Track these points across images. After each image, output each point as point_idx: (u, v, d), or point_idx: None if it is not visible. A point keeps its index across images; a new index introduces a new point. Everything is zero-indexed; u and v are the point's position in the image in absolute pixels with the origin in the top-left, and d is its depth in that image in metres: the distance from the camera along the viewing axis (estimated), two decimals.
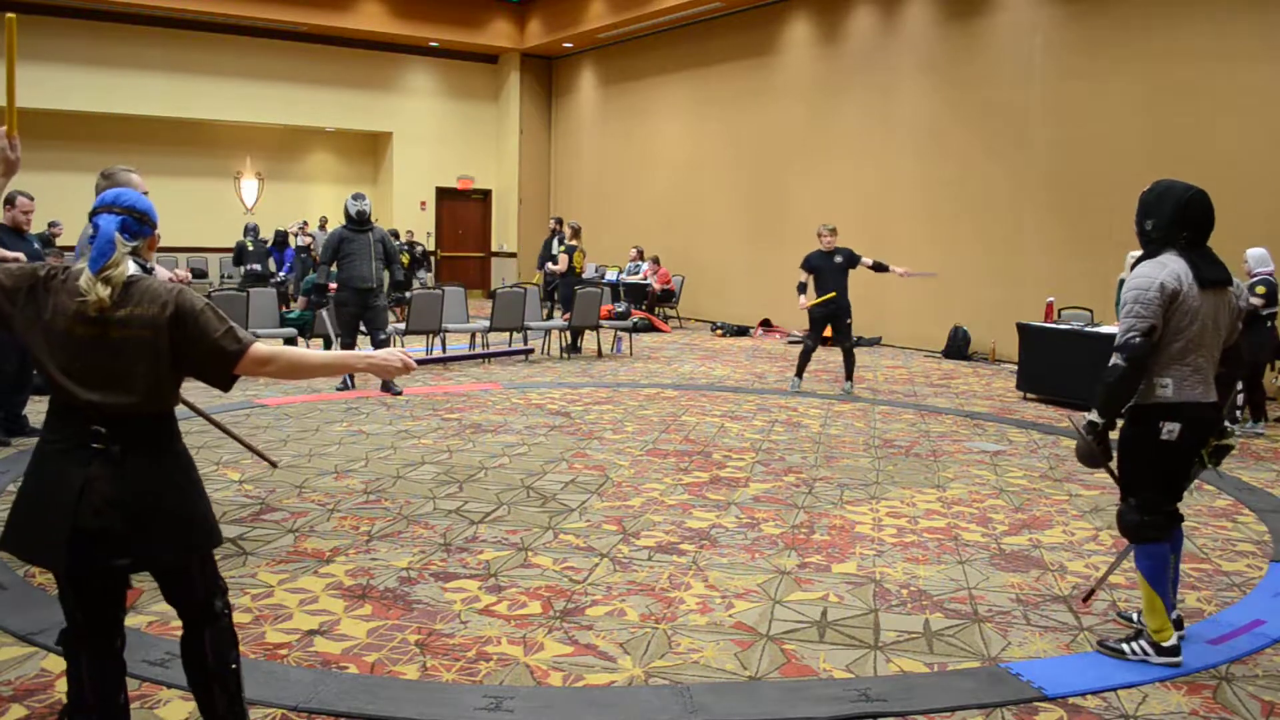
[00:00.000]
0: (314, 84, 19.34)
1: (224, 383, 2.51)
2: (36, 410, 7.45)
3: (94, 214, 2.50)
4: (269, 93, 18.98)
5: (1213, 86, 10.30)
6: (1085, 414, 3.70)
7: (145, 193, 4.52)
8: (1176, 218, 3.64)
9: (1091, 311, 10.58)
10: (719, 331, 15.51)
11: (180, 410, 2.62)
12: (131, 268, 2.44)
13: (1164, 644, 3.63)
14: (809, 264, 9.76)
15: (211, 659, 2.62)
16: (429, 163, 20.64)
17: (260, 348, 2.48)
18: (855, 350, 10.10)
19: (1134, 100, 11.01)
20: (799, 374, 10.01)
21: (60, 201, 16.47)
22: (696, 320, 17.12)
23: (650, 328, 15.43)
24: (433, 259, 20.53)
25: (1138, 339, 3.51)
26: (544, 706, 3.23)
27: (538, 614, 3.99)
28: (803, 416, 8.59)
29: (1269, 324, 8.16)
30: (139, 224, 2.52)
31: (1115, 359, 3.56)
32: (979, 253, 12.74)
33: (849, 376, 9.91)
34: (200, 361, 2.45)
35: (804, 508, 5.68)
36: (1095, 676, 3.53)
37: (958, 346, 12.81)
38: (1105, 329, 9.23)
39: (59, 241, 13.88)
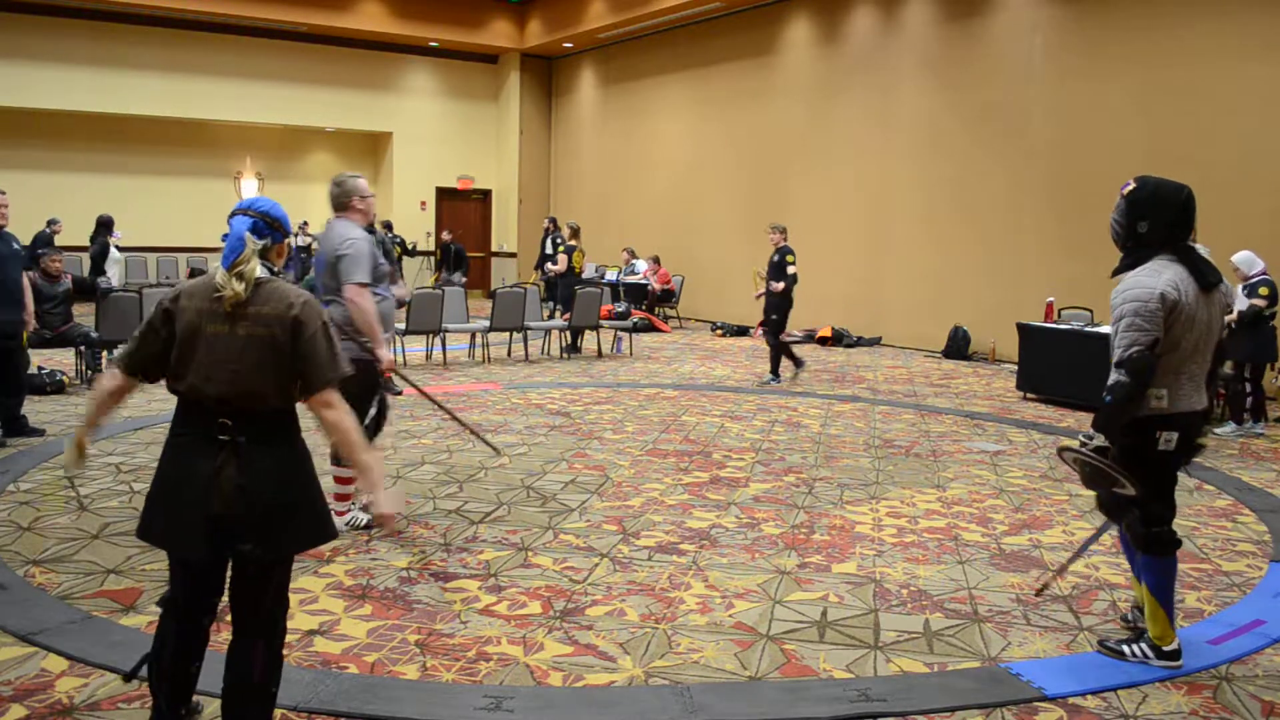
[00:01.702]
0: (314, 84, 19.34)
1: (304, 398, 2.62)
2: (36, 411, 7.46)
3: (231, 216, 2.68)
4: (269, 93, 18.97)
5: (1213, 86, 10.30)
6: (1078, 441, 3.49)
7: (366, 196, 4.92)
8: (1178, 219, 3.46)
9: (1091, 311, 10.58)
10: (719, 331, 15.51)
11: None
12: (260, 270, 2.58)
13: (1165, 649, 3.60)
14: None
15: (259, 676, 2.66)
16: (429, 163, 20.63)
17: (336, 394, 2.62)
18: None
19: (1134, 100, 11.01)
20: (774, 371, 10.48)
21: (60, 201, 16.53)
22: (696, 320, 17.12)
23: (650, 328, 15.43)
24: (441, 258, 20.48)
25: (1143, 352, 3.33)
26: (544, 706, 3.23)
27: (538, 614, 3.99)
28: (803, 416, 8.59)
29: (1270, 324, 8.16)
30: (269, 228, 2.65)
31: (1118, 375, 3.36)
32: (979, 253, 12.74)
33: (773, 371, 10.49)
34: (299, 372, 2.57)
35: (804, 508, 5.68)
36: (1095, 676, 3.53)
37: (958, 346, 12.81)
38: (1105, 329, 9.23)
39: (58, 240, 13.90)
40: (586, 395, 9.40)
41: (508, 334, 11.94)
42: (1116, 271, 3.55)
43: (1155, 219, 3.47)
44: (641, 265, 16.83)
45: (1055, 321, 10.10)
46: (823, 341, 14.22)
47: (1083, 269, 11.30)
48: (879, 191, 14.04)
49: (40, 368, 8.82)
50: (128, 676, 2.84)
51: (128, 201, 18.05)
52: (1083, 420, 8.69)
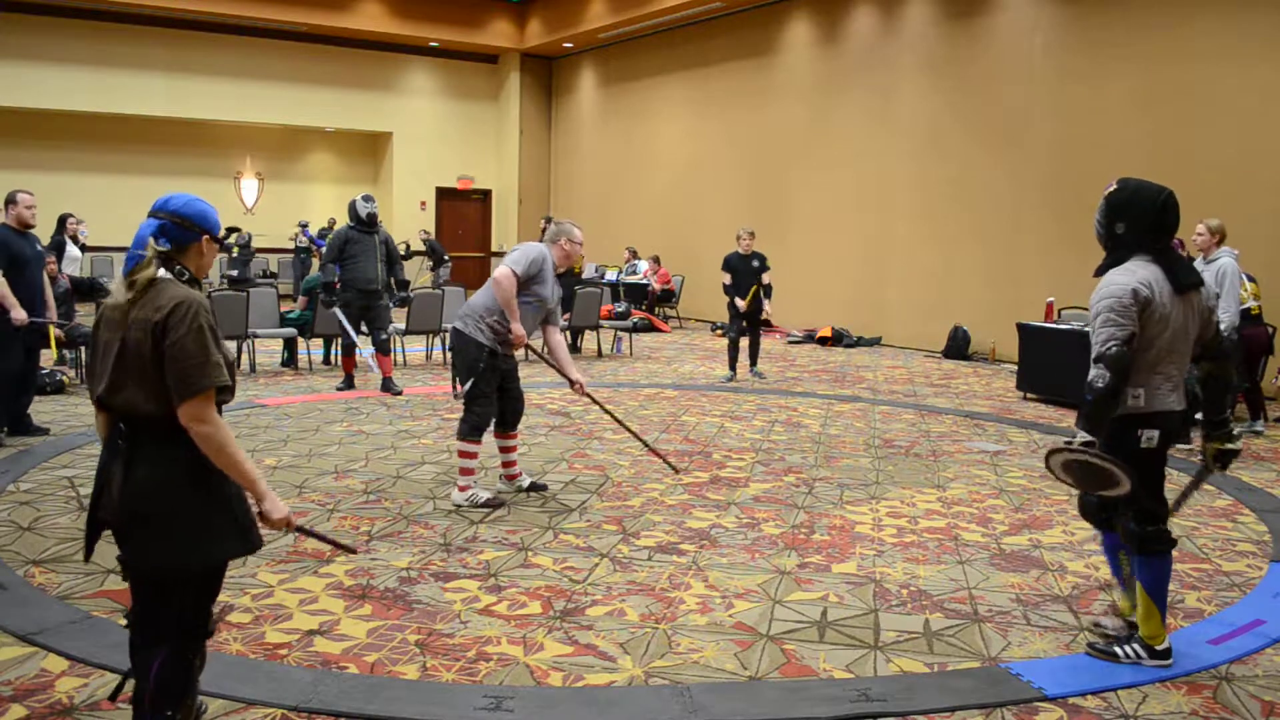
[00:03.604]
0: (314, 84, 19.35)
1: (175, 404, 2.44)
2: (37, 411, 7.45)
3: (148, 217, 2.59)
4: (269, 93, 18.99)
5: (1213, 86, 10.30)
6: (1062, 448, 3.44)
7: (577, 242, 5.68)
8: (1156, 222, 3.51)
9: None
10: (719, 331, 15.50)
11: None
12: (163, 273, 2.50)
13: (1158, 648, 3.61)
14: (727, 264, 10.52)
15: (148, 696, 2.51)
16: (429, 163, 20.64)
17: (207, 407, 2.41)
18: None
19: (1134, 100, 11.01)
20: (733, 368, 10.60)
21: (60, 201, 16.45)
22: (696, 320, 17.12)
23: (650, 328, 15.43)
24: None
25: (1120, 348, 3.36)
26: (544, 706, 3.23)
27: (538, 614, 3.99)
28: (803, 416, 8.59)
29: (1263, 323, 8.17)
30: (177, 228, 2.54)
31: (1096, 370, 3.38)
32: (979, 253, 12.74)
33: (754, 363, 10.71)
34: (168, 377, 2.42)
35: (804, 508, 5.68)
36: (1095, 676, 3.53)
37: (958, 346, 12.81)
38: None
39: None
40: None
41: None
42: (1098, 271, 3.59)
43: (1133, 221, 3.52)
44: (643, 265, 16.84)
45: (1055, 321, 10.10)
46: (823, 341, 14.21)
47: (1083, 269, 11.23)
48: (879, 191, 14.05)
49: (40, 368, 8.81)
50: (112, 695, 2.74)
51: (128, 201, 18.03)
52: None
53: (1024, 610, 4.17)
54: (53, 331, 7.35)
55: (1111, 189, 3.60)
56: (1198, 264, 7.21)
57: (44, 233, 13.72)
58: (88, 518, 2.55)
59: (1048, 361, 9.57)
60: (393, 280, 9.55)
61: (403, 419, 7.94)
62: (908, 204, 13.67)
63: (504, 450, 5.81)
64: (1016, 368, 10.18)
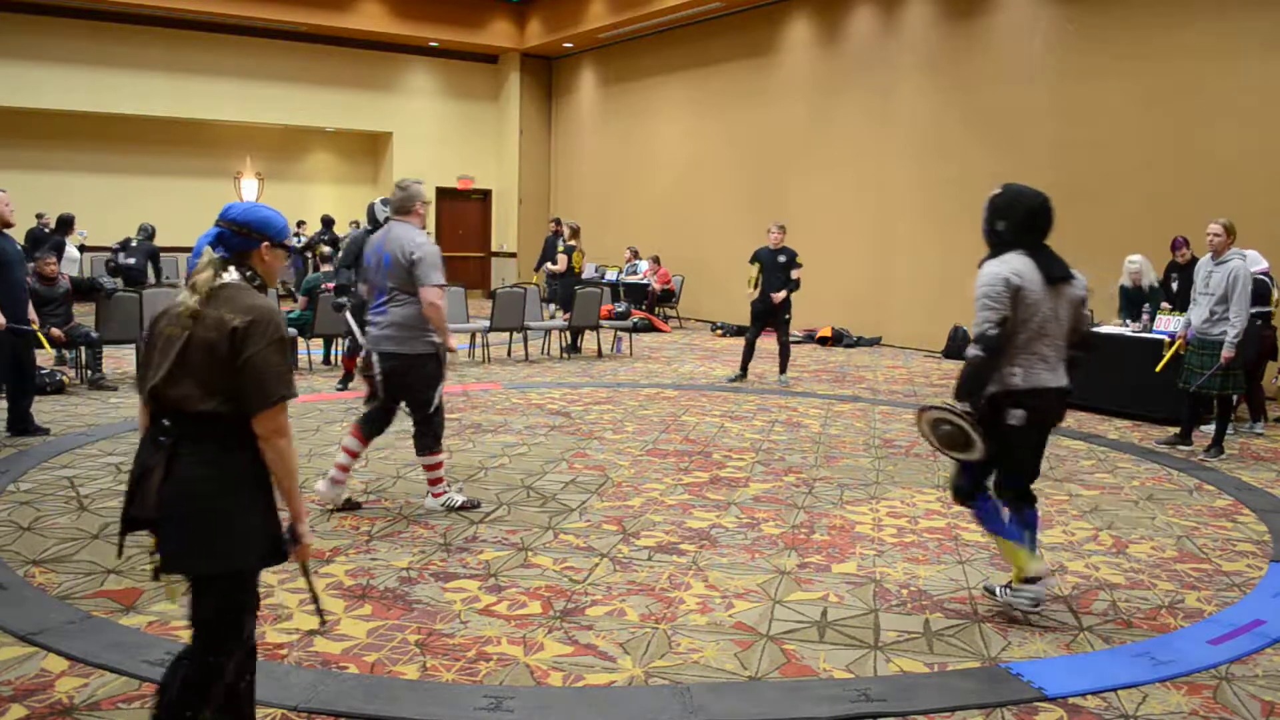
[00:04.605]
0: (314, 84, 19.34)
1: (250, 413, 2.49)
2: (38, 411, 7.45)
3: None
4: (269, 93, 18.98)
5: (1213, 86, 10.30)
6: (939, 408, 3.89)
7: (427, 202, 5.25)
8: (1028, 223, 3.96)
9: (1091, 311, 10.55)
10: (719, 331, 15.51)
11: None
12: (227, 276, 2.53)
13: (1028, 574, 4.04)
14: (756, 258, 10.36)
15: (172, 695, 2.50)
16: (429, 163, 20.62)
17: (284, 419, 2.49)
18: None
19: (1134, 100, 11.01)
20: (743, 368, 10.48)
21: (61, 201, 16.45)
22: (696, 320, 17.12)
23: (650, 328, 15.43)
24: None
25: (993, 329, 3.80)
26: (544, 706, 3.23)
27: (538, 614, 3.99)
28: (803, 416, 8.59)
29: (1258, 322, 8.15)
30: (236, 236, 2.59)
31: (973, 349, 3.84)
32: (979, 253, 12.61)
33: (783, 370, 10.48)
34: (241, 385, 2.45)
35: (804, 508, 5.68)
36: (1095, 676, 3.53)
37: (958, 346, 12.79)
38: (1105, 329, 9.23)
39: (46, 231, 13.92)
40: (586, 395, 9.40)
41: (508, 334, 11.94)
42: (980, 264, 4.01)
43: (1010, 221, 3.99)
44: (643, 265, 16.84)
45: None
46: (823, 341, 14.22)
47: (1083, 269, 11.26)
48: (879, 191, 14.04)
49: (40, 368, 8.81)
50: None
51: (128, 201, 18.07)
52: (1082, 420, 8.69)
53: (1024, 610, 4.17)
54: (39, 333, 7.29)
55: (995, 193, 4.07)
56: (1206, 264, 7.18)
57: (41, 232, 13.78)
58: (121, 514, 2.53)
59: None
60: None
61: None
62: (907, 204, 13.67)
63: (353, 455, 5.36)
64: None
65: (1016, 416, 3.87)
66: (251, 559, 2.53)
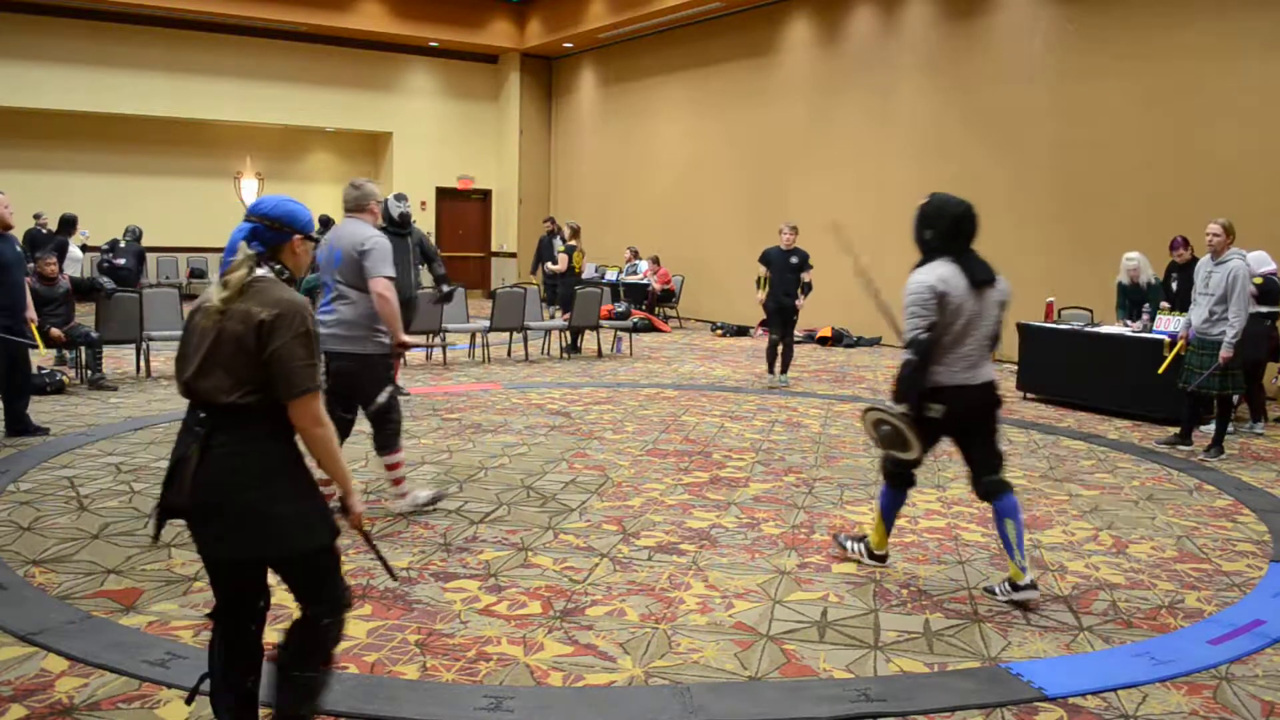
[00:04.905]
0: (314, 84, 19.34)
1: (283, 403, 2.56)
2: (38, 411, 7.45)
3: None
4: (269, 93, 18.98)
5: (1213, 86, 10.30)
6: (880, 409, 4.26)
7: (380, 200, 5.20)
8: (953, 230, 4.18)
9: (1091, 311, 10.57)
10: (719, 331, 15.51)
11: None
12: (260, 271, 2.58)
13: (877, 552, 4.62)
14: (765, 258, 10.28)
15: (287, 659, 2.68)
16: (429, 163, 20.64)
17: (319, 409, 2.55)
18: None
19: (1134, 100, 11.01)
20: (770, 369, 10.39)
21: (60, 201, 16.48)
22: (696, 320, 17.12)
23: (650, 328, 15.43)
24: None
25: (923, 335, 4.07)
26: (544, 706, 3.23)
27: (538, 614, 3.99)
28: (803, 416, 8.59)
29: (1268, 322, 8.15)
30: (269, 230, 2.62)
31: (906, 354, 4.11)
32: (979, 252, 12.71)
33: (784, 369, 10.42)
34: (272, 378, 2.51)
35: (804, 508, 5.68)
36: (1095, 676, 3.53)
37: None
38: (1105, 329, 9.23)
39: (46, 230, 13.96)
40: (586, 395, 9.40)
41: (508, 334, 11.94)
42: (912, 269, 4.22)
43: (937, 229, 4.21)
44: (643, 265, 16.84)
45: (1055, 321, 10.09)
46: (823, 341, 14.22)
47: (1083, 269, 11.31)
48: (879, 191, 14.04)
49: (41, 368, 8.82)
50: (188, 699, 2.79)
51: (128, 201, 18.06)
52: (1082, 420, 8.70)
53: (1024, 610, 4.17)
54: (35, 332, 7.28)
55: (923, 202, 4.29)
56: (1206, 264, 7.19)
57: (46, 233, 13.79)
58: (158, 502, 2.57)
59: (1048, 361, 9.57)
60: (435, 278, 9.02)
61: (403, 419, 7.92)
62: (907, 204, 13.51)
63: (391, 468, 5.35)
64: (1016, 368, 10.17)
65: (936, 410, 4.16)
66: (299, 542, 2.58)
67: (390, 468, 5.30)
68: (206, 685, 2.72)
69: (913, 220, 4.28)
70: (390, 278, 5.00)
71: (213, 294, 2.55)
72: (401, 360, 5.18)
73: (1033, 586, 4.21)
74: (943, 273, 4.12)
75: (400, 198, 8.75)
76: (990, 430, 4.33)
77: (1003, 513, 4.25)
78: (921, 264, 4.21)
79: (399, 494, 5.34)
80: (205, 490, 2.48)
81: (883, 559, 4.65)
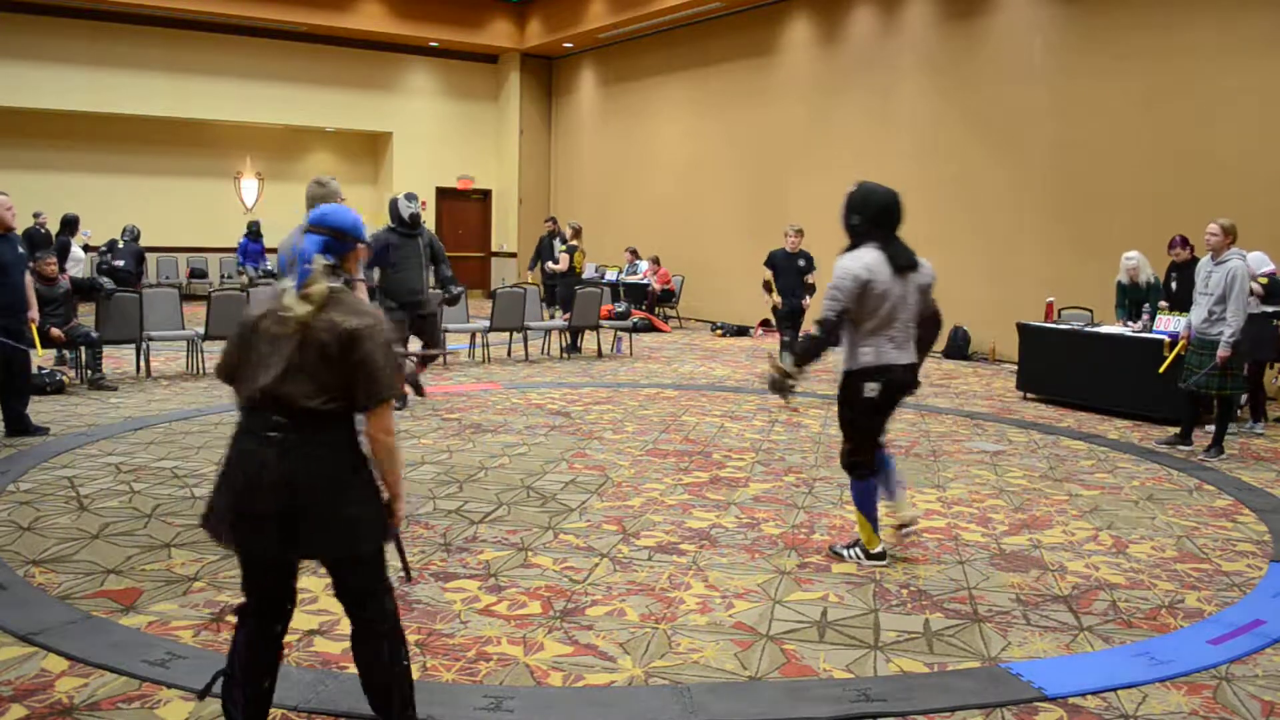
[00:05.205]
0: (314, 84, 19.33)
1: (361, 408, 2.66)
2: (38, 411, 7.45)
3: (305, 231, 2.76)
4: (269, 93, 18.97)
5: (1213, 85, 10.30)
6: (779, 362, 4.68)
7: (343, 199, 5.13)
8: (880, 216, 4.43)
9: (1091, 311, 10.57)
10: (719, 331, 15.51)
11: None
12: (334, 282, 2.66)
13: (872, 551, 4.65)
14: (770, 261, 10.31)
15: (386, 655, 2.75)
16: (429, 163, 20.63)
17: (390, 417, 2.67)
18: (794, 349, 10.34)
19: (1134, 99, 11.01)
20: None
21: (60, 201, 16.50)
22: (696, 320, 17.12)
23: (650, 328, 15.43)
24: None
25: (833, 316, 4.39)
26: (544, 706, 3.23)
27: (538, 614, 3.99)
28: (803, 416, 8.59)
29: (1275, 322, 8.15)
30: (337, 241, 2.72)
31: (815, 330, 4.45)
32: (979, 252, 12.73)
33: None
34: (353, 385, 2.61)
35: (804, 508, 5.68)
36: (1095, 676, 3.53)
37: (958, 346, 12.81)
38: (1105, 329, 9.24)
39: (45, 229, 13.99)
40: (586, 395, 9.40)
41: (508, 334, 11.95)
42: (840, 253, 4.48)
43: (864, 215, 4.45)
44: (644, 265, 16.84)
45: (1055, 321, 10.10)
46: None
47: (1083, 269, 11.31)
48: None
49: (41, 368, 8.82)
50: (201, 694, 2.83)
51: (128, 201, 18.04)
52: (1082, 420, 8.70)
53: (1024, 610, 4.18)
54: (35, 331, 7.27)
55: (850, 190, 4.54)
56: (1206, 264, 7.19)
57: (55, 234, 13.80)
58: (230, 507, 2.58)
59: (1048, 361, 9.57)
60: (441, 280, 8.83)
61: (403, 419, 7.94)
62: (907, 204, 13.51)
63: None
64: (1016, 368, 10.18)
65: (872, 389, 4.44)
66: (369, 543, 2.68)
67: None
68: (218, 686, 2.76)
69: (842, 207, 4.53)
70: (362, 281, 4.86)
71: (289, 303, 2.60)
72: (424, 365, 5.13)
73: (882, 555, 4.67)
74: (868, 260, 4.37)
75: (410, 197, 8.50)
76: (895, 405, 4.63)
77: (886, 466, 4.71)
78: (850, 249, 4.47)
79: None
80: (293, 493, 2.54)
81: (881, 556, 4.67)
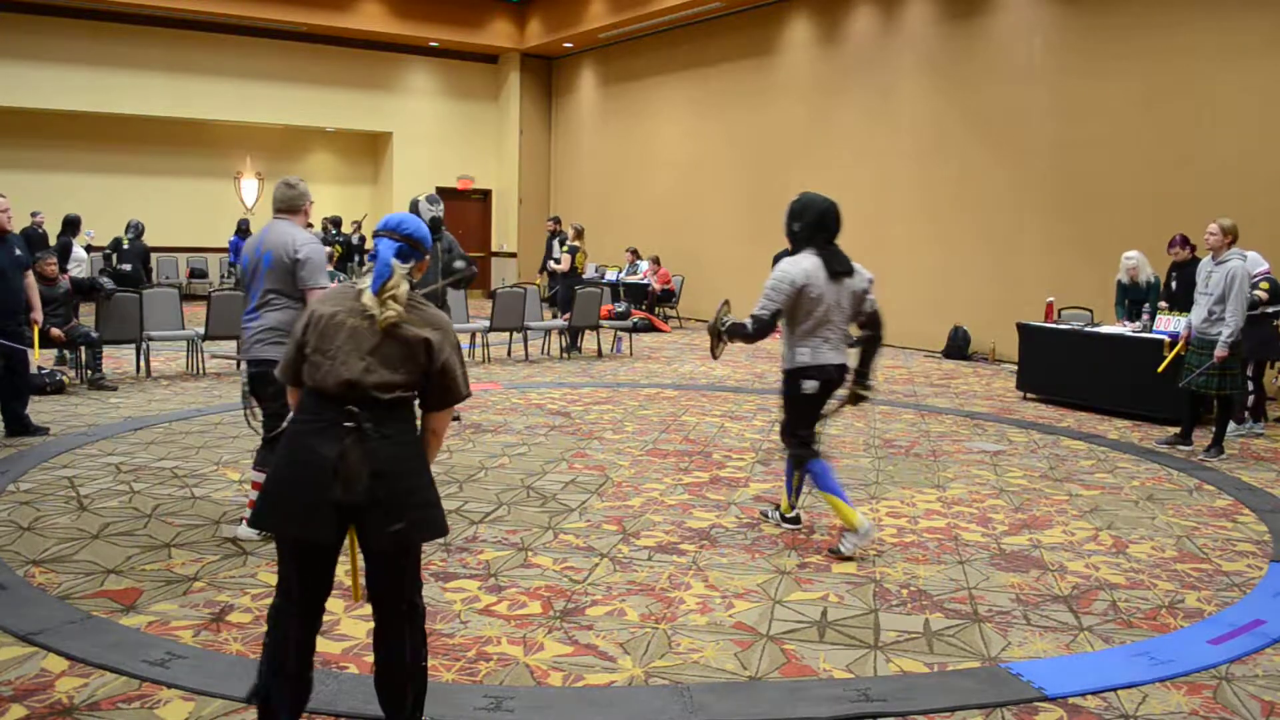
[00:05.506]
0: (314, 84, 19.33)
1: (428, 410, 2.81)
2: (38, 411, 7.45)
3: (375, 235, 2.84)
4: (269, 93, 18.97)
5: (1213, 85, 10.30)
6: (721, 327, 4.95)
7: (312, 201, 5.12)
8: (818, 224, 4.75)
9: (1091, 311, 10.57)
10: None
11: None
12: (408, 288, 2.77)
13: (860, 529, 4.71)
14: (776, 263, 10.04)
15: (410, 655, 2.76)
16: (429, 163, 20.63)
17: (449, 413, 2.86)
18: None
19: (1134, 99, 11.01)
20: None
21: (60, 201, 16.52)
22: (696, 320, 17.11)
23: (650, 328, 15.43)
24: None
25: (766, 316, 4.71)
26: (544, 706, 3.23)
27: (538, 614, 3.99)
28: None
29: (1274, 322, 8.15)
30: (413, 250, 2.83)
31: (749, 322, 4.75)
32: (979, 253, 12.73)
33: None
34: (432, 388, 2.75)
35: (803, 508, 5.67)
36: (1095, 676, 3.53)
37: (958, 346, 12.81)
38: (1105, 329, 9.24)
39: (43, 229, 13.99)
40: (586, 395, 9.40)
41: (508, 334, 11.94)
42: (778, 256, 4.83)
43: (803, 222, 4.77)
44: (644, 265, 16.84)
45: (1055, 321, 10.10)
46: None
47: (1083, 269, 11.31)
48: (879, 191, 14.04)
49: (41, 368, 8.82)
50: (247, 699, 2.83)
51: (127, 201, 18.04)
52: (1082, 419, 8.70)
53: (1024, 610, 4.18)
54: (36, 331, 7.27)
55: (794, 199, 4.85)
56: (1207, 264, 7.19)
57: (52, 233, 13.81)
58: (307, 500, 2.59)
59: (1048, 361, 9.57)
60: (446, 269, 8.09)
61: None
62: (908, 204, 13.67)
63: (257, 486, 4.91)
64: (1016, 368, 10.18)
65: (810, 387, 4.78)
66: (436, 531, 2.74)
67: (257, 485, 4.80)
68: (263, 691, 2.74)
69: (785, 215, 4.85)
70: (325, 288, 4.62)
71: (369, 303, 2.66)
72: None
73: (797, 520, 5.17)
74: (806, 265, 4.70)
75: (434, 200, 7.88)
76: (826, 400, 4.92)
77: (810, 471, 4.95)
78: (790, 254, 4.81)
79: (246, 518, 4.84)
80: (374, 479, 2.58)
81: (866, 533, 4.77)
